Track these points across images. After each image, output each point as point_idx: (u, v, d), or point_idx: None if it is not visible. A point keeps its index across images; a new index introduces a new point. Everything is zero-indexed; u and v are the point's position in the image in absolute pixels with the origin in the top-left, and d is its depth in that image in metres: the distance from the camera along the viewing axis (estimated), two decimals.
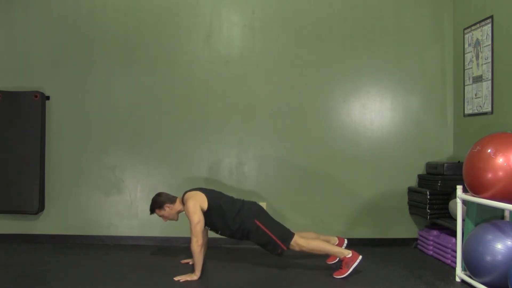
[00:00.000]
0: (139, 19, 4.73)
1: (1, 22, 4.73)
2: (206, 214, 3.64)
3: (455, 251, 3.60)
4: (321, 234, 3.98)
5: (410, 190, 4.60)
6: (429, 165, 4.53)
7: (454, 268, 3.64)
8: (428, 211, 4.20)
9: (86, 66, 4.73)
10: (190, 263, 3.84)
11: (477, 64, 4.23)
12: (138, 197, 4.71)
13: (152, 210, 3.79)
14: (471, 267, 3.18)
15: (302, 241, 3.65)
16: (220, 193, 3.86)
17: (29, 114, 4.60)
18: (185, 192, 3.76)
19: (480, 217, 3.42)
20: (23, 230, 4.70)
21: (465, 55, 4.46)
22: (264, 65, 4.74)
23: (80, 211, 4.71)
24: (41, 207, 4.63)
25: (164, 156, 4.72)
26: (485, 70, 4.10)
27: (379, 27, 4.75)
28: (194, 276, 3.50)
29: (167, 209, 3.73)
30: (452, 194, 3.90)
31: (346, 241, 3.99)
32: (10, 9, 4.73)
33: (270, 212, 3.89)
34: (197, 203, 3.61)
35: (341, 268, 3.60)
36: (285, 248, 3.65)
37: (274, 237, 3.64)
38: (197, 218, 3.54)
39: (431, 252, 4.28)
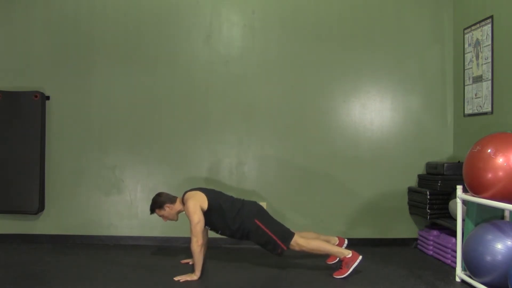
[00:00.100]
0: (139, 19, 4.74)
1: (1, 22, 4.73)
2: (206, 214, 3.64)
3: (455, 251, 3.60)
4: (321, 234, 3.98)
5: (410, 190, 4.60)
6: (429, 165, 4.53)
7: (454, 268, 3.64)
8: (428, 211, 4.20)
9: (86, 66, 4.73)
10: (190, 263, 3.84)
11: (477, 64, 4.23)
12: (138, 197, 4.71)
13: (152, 210, 3.79)
14: (471, 267, 3.18)
15: (302, 241, 3.64)
16: (220, 192, 3.87)
17: (29, 114, 4.60)
18: (185, 192, 3.76)
19: (480, 217, 3.42)
20: (23, 230, 4.70)
21: (465, 55, 4.46)
22: (264, 65, 4.74)
23: (80, 211, 4.71)
24: (41, 207, 4.63)
25: (164, 156, 4.72)
26: (485, 70, 4.10)
27: (379, 27, 4.75)
28: (194, 276, 3.50)
29: (167, 209, 3.73)
30: (452, 194, 3.90)
31: (346, 241, 3.99)
32: (10, 9, 4.73)
33: (270, 212, 3.89)
34: (197, 203, 3.61)
35: (341, 268, 3.60)
36: (285, 248, 3.65)
37: (274, 237, 3.64)
38: (197, 218, 3.54)
39: (431, 252, 4.28)
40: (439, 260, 4.09)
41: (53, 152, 4.72)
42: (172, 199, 3.77)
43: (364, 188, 4.70)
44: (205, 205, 3.64)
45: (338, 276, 3.56)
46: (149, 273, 3.69)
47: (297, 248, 3.65)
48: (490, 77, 4.03)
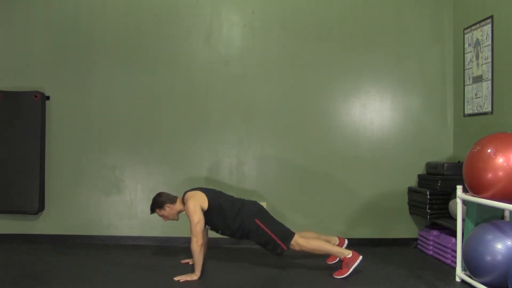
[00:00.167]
0: (139, 19, 4.74)
1: (1, 22, 4.74)
2: (207, 213, 3.64)
3: (455, 251, 3.60)
4: (321, 234, 3.98)
5: (410, 190, 4.60)
6: (429, 165, 4.53)
7: (454, 268, 3.64)
8: (428, 211, 4.20)
9: (86, 66, 4.73)
10: (190, 263, 3.84)
11: (477, 64, 4.24)
12: (138, 197, 4.71)
13: (152, 210, 3.79)
14: (471, 267, 3.18)
15: (303, 241, 3.64)
16: (220, 192, 3.87)
17: (29, 114, 4.60)
18: (186, 192, 3.76)
19: (480, 217, 3.42)
20: (23, 230, 4.71)
21: (465, 55, 4.46)
22: (264, 65, 4.74)
23: (80, 211, 4.71)
24: (41, 207, 4.63)
25: (164, 156, 4.72)
26: (485, 70, 4.10)
27: (379, 27, 4.75)
28: (194, 276, 3.50)
29: (167, 209, 3.73)
30: (452, 194, 3.89)
31: (346, 241, 3.99)
32: (10, 9, 4.73)
33: (270, 212, 3.88)
34: (197, 203, 3.61)
35: (341, 268, 3.60)
36: (285, 247, 3.64)
37: (274, 237, 3.64)
38: (197, 218, 3.54)
39: (431, 252, 4.28)
40: (439, 260, 4.09)
41: (53, 152, 4.72)
42: (172, 199, 3.77)
43: (364, 188, 4.70)
44: (205, 205, 3.64)
45: (338, 276, 3.56)
46: (149, 273, 3.69)
47: (297, 248, 3.65)
48: (490, 77, 4.03)
